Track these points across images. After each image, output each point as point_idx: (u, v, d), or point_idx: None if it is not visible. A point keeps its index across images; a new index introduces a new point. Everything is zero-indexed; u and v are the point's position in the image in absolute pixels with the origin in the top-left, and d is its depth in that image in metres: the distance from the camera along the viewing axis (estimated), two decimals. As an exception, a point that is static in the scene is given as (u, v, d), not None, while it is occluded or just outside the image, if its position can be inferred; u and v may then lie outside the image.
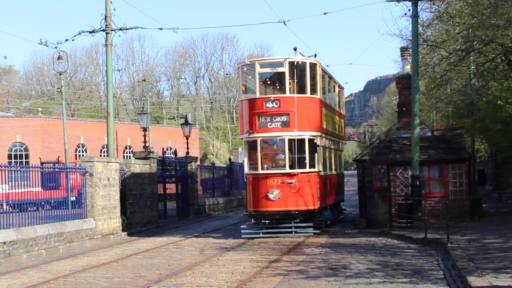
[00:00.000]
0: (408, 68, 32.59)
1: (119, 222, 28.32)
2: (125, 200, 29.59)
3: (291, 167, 24.46)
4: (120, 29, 31.47)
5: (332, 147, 29.55)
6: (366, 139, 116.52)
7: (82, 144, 69.62)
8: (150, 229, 30.85)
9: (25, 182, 23.23)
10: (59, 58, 44.47)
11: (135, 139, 70.55)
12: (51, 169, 26.15)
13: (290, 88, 24.79)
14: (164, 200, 35.43)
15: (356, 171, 34.92)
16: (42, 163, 43.00)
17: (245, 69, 25.87)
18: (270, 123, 24.48)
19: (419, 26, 27.49)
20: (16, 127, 63.63)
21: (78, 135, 67.63)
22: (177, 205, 37.44)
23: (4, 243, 20.36)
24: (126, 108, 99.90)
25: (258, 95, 24.77)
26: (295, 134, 24.37)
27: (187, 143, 42.24)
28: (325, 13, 33.97)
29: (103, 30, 31.00)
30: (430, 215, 25.30)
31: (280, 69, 24.93)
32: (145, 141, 35.67)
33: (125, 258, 20.39)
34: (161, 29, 34.54)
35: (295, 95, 24.68)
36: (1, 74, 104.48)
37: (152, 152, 32.97)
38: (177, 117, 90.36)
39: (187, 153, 41.19)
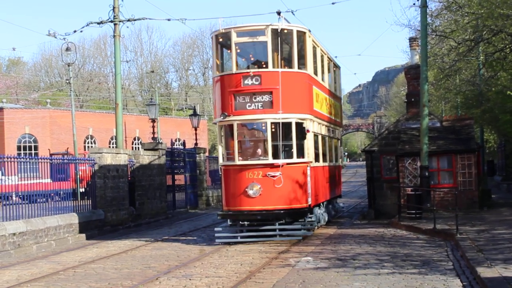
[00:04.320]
0: (416, 58, 32.46)
1: (128, 213, 28.40)
2: (134, 191, 29.69)
3: (275, 156, 20.34)
4: (128, 20, 31.51)
5: (326, 134, 25.39)
6: (374, 130, 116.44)
7: (91, 135, 69.83)
8: (159, 220, 30.91)
9: (35, 174, 23.34)
10: (67, 49, 44.51)
11: (143, 130, 70.68)
12: (60, 161, 26.26)
13: (273, 61, 20.56)
14: (173, 191, 35.50)
15: (364, 162, 34.84)
16: (51, 155, 43.11)
17: (220, 39, 21.50)
18: (249, 104, 20.29)
19: (427, 16, 27.37)
20: (25, 118, 63.84)
21: (86, 127, 67.82)
22: (185, 196, 37.51)
23: (14, 234, 20.46)
24: (134, 99, 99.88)
25: (234, 70, 20.57)
26: (280, 116, 20.12)
27: (196, 134, 42.29)
28: (333, 3, 34.08)
29: (111, 21, 31.05)
30: (439, 206, 25.23)
31: (261, 38, 20.66)
32: (153, 132, 35.71)
33: (134, 249, 20.45)
34: (169, 20, 34.23)
35: (280, 69, 20.51)
36: (9, 65, 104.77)
37: (161, 143, 33.02)
38: (185, 108, 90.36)
39: (196, 144, 41.24)
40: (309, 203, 21.00)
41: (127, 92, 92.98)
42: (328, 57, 26.36)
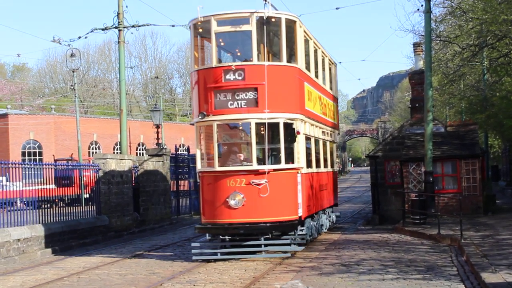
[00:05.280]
0: (421, 63, 32.48)
1: (132, 219, 28.42)
2: (138, 197, 29.72)
3: (260, 162, 18.04)
4: (133, 26, 31.61)
5: (320, 136, 22.92)
6: (379, 135, 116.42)
7: (95, 141, 69.96)
8: (163, 226, 30.91)
9: (39, 180, 23.37)
10: (72, 55, 44.64)
11: (148, 136, 70.78)
12: (65, 166, 26.29)
13: (259, 53, 18.31)
14: (177, 197, 35.54)
15: (369, 168, 34.85)
16: (55, 160, 43.19)
17: (199, 29, 18.85)
18: (231, 102, 17.79)
19: (432, 21, 27.38)
20: (30, 124, 63.98)
21: (91, 132, 67.94)
22: (190, 202, 37.55)
23: (19, 240, 20.49)
24: (139, 105, 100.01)
25: (214, 64, 18.06)
26: (266, 116, 17.65)
27: (200, 140, 42.21)
28: (337, 8, 34.52)
29: (116, 27, 31.11)
30: (444, 211, 25.21)
31: (245, 27, 18.12)
32: (158, 138, 35.74)
33: (139, 255, 20.45)
34: (173, 26, 34.53)
35: (266, 63, 18.08)
36: (14, 71, 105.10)
37: (165, 149, 33.06)
38: (190, 114, 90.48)
39: (200, 149, 41.14)
40: (300, 214, 18.60)
41: (131, 98, 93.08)
42: (322, 51, 23.90)
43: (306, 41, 20.64)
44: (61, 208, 25.11)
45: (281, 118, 18.01)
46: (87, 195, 28.21)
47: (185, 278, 15.54)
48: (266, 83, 17.65)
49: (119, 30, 31.00)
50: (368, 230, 25.68)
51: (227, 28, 18.44)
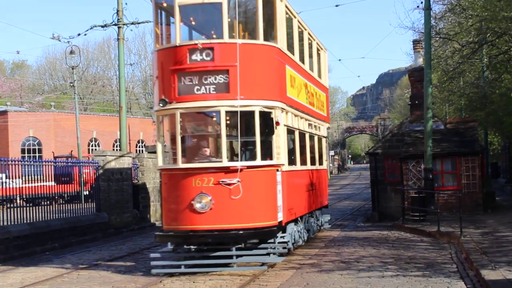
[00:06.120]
0: (420, 61, 32.49)
1: (132, 216, 28.41)
2: (138, 194, 29.71)
3: (231, 158, 15.76)
4: (132, 23, 31.58)
5: (307, 129, 20.05)
6: (378, 132, 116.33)
7: (94, 138, 69.98)
8: (163, 223, 30.87)
9: (39, 177, 23.38)
10: (71, 52, 44.61)
11: (147, 133, 70.85)
12: (64, 163, 26.30)
13: (230, 30, 15.49)
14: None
15: (368, 165, 34.85)
16: (55, 157, 43.23)
17: (163, 3, 16.51)
18: (198, 87, 15.08)
19: (431, 18, 27.35)
20: (29, 121, 64.00)
21: (90, 129, 67.95)
22: (189, 199, 37.45)
23: (18, 237, 20.47)
24: (138, 102, 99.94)
25: (178, 42, 15.43)
26: (239, 103, 14.98)
27: (199, 137, 42.20)
28: (337, 5, 34.32)
29: (115, 25, 31.09)
30: (443, 208, 25.23)
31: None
32: (157, 135, 35.67)
33: (138, 252, 20.45)
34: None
35: (239, 40, 15.39)
36: (14, 69, 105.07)
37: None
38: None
39: (200, 146, 41.14)
40: (280, 219, 15.90)
41: (131, 95, 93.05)
42: (309, 33, 21.08)
43: (289, 20, 18.00)
44: (61, 205, 25.11)
45: (256, 106, 15.27)
46: (87, 192, 28.22)
47: (185, 275, 15.40)
48: (239, 65, 14.99)
49: (119, 27, 30.98)
50: (367, 227, 25.69)
51: (193, 1, 15.81)
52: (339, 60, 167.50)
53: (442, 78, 37.47)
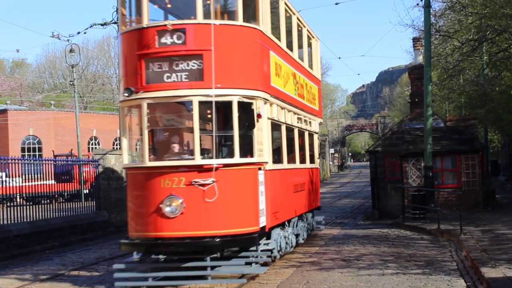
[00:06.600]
0: (420, 58, 32.48)
1: (132, 215, 28.37)
2: (138, 192, 29.64)
3: (205, 155, 13.59)
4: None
5: (295, 124, 17.95)
6: (378, 130, 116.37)
7: (94, 136, 69.93)
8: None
9: (39, 175, 23.38)
10: (71, 51, 44.54)
11: (147, 131, 70.51)
12: (64, 162, 26.29)
13: (204, 9, 13.47)
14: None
15: (368, 163, 34.85)
16: (55, 156, 43.19)
17: None
18: (168, 74, 13.13)
19: (431, 16, 27.36)
20: (29, 120, 63.95)
21: (90, 128, 67.90)
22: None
23: (18, 235, 20.48)
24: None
25: (145, 23, 13.41)
26: (214, 92, 12.97)
27: (200, 135, 42.16)
28: (337, 3, 34.19)
29: (115, 23, 31.02)
30: (443, 206, 25.22)
31: None
32: (157, 134, 35.65)
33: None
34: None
35: (214, 21, 13.28)
36: (13, 67, 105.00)
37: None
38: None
39: (200, 145, 41.12)
40: (263, 224, 13.94)
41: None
42: (299, 19, 18.90)
43: (275, 1, 16.18)
44: (61, 204, 25.12)
45: (234, 95, 13.28)
46: (87, 191, 28.21)
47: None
48: (214, 49, 12.98)
49: (118, 26, 30.96)
50: (367, 225, 25.70)
51: None
52: (339, 58, 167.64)
53: (442, 76, 37.43)
